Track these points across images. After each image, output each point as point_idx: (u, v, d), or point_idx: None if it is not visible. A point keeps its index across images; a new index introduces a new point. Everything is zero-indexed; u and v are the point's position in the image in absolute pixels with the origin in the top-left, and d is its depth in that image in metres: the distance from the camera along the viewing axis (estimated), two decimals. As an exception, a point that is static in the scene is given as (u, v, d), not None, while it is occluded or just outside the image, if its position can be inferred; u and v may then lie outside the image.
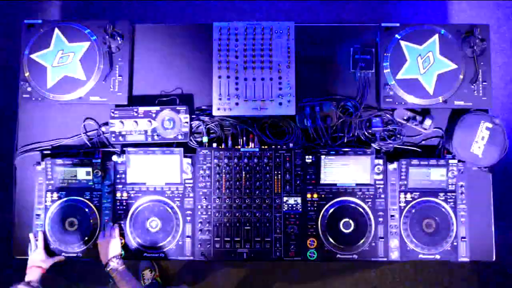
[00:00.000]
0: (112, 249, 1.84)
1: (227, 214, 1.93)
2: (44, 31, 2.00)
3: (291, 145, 1.97)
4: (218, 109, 1.96)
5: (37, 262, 1.88)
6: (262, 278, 2.85)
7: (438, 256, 1.91)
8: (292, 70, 1.97)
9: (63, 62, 1.97)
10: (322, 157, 1.92)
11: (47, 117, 2.07)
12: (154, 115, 1.95)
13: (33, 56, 1.98)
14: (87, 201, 1.95)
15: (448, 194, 1.93)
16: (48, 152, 2.04)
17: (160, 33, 2.12)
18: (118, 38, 1.98)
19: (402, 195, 1.94)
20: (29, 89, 1.96)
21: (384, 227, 1.92)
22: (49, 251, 1.93)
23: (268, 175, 1.94)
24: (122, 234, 1.92)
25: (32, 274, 1.85)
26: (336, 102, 2.02)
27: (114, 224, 1.92)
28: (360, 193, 1.93)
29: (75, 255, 1.93)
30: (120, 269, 1.80)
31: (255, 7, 3.09)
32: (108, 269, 1.81)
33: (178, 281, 2.84)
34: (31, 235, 1.94)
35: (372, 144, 1.99)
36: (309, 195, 1.94)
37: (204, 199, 1.94)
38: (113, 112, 1.95)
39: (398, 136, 2.00)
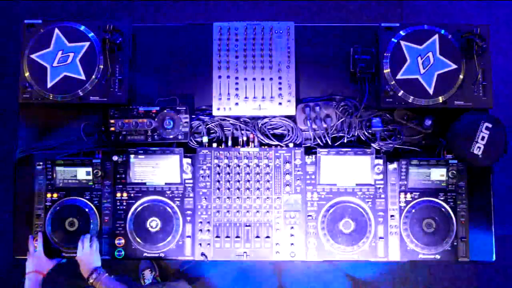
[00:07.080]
0: (92, 262, 1.83)
1: (227, 214, 1.93)
2: (44, 31, 1.99)
3: (291, 145, 1.97)
4: (218, 109, 1.96)
5: (37, 266, 1.86)
6: (262, 278, 2.85)
7: (438, 256, 1.91)
8: (292, 70, 1.97)
9: (63, 62, 1.97)
10: (321, 157, 1.92)
11: (47, 117, 2.07)
12: (154, 115, 1.95)
13: (33, 56, 1.98)
14: (87, 201, 1.95)
15: (448, 194, 1.93)
16: (48, 152, 2.04)
17: (160, 33, 2.12)
18: (118, 38, 1.97)
19: (402, 195, 1.94)
20: (29, 89, 1.96)
21: (384, 227, 1.92)
22: (50, 252, 1.93)
23: (268, 175, 1.95)
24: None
25: (32, 280, 1.83)
26: (336, 102, 2.02)
27: (92, 237, 1.89)
28: (360, 193, 1.93)
29: (75, 255, 1.92)
30: (103, 279, 1.80)
31: (255, 7, 3.09)
32: (90, 281, 1.81)
33: (178, 280, 2.83)
34: (30, 239, 1.92)
35: (372, 144, 1.99)
36: (309, 195, 1.94)
37: (204, 199, 1.94)
38: (113, 112, 1.95)
39: (398, 136, 2.00)
